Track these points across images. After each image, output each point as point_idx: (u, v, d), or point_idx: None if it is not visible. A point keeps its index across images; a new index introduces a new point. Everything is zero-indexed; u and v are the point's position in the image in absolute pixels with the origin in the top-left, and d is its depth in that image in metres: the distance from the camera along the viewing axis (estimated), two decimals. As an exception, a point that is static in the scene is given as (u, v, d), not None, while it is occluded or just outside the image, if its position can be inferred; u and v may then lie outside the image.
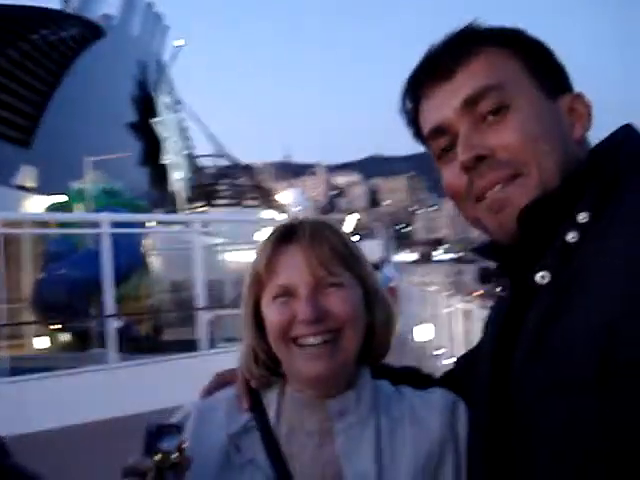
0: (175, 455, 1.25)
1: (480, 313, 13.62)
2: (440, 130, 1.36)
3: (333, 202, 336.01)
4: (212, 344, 12.67)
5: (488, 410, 1.30)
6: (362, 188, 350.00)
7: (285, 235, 1.59)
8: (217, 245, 19.63)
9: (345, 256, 1.58)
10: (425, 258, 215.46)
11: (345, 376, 1.58)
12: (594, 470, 1.05)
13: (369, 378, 1.62)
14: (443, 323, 15.35)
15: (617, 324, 1.03)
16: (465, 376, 1.55)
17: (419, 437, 1.50)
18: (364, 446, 1.52)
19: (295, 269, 1.55)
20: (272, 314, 1.57)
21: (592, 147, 1.30)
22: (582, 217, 1.19)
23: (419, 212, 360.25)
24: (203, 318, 12.88)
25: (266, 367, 1.64)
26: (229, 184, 43.26)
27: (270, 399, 1.63)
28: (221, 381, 1.72)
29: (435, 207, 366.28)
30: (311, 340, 1.52)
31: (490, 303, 1.63)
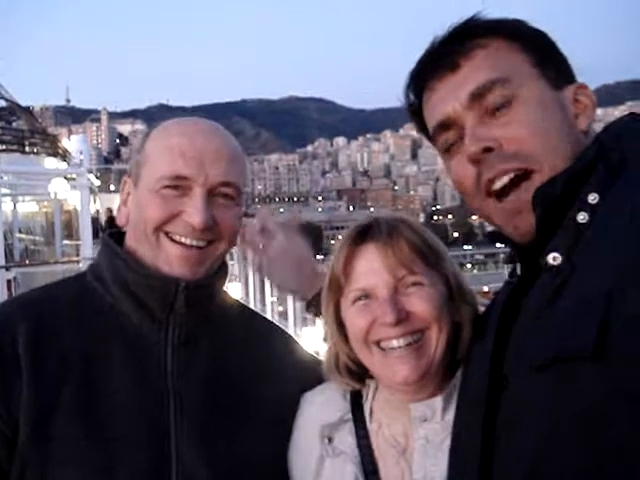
0: None
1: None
2: (446, 124, 1.35)
3: (118, 150, 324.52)
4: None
5: (487, 383, 1.29)
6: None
7: (361, 235, 1.55)
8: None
9: (425, 253, 1.52)
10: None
11: (434, 379, 1.52)
12: (581, 444, 1.05)
13: None
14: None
15: (616, 293, 1.03)
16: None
17: None
18: (440, 455, 1.45)
19: (373, 270, 1.50)
20: (352, 318, 1.54)
21: (600, 131, 1.30)
22: (592, 198, 1.20)
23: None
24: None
25: (349, 372, 1.60)
26: (7, 127, 40.46)
27: (367, 394, 1.62)
28: None
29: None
30: (394, 343, 1.48)
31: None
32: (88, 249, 14.32)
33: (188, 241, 1.57)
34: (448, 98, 1.34)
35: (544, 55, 1.34)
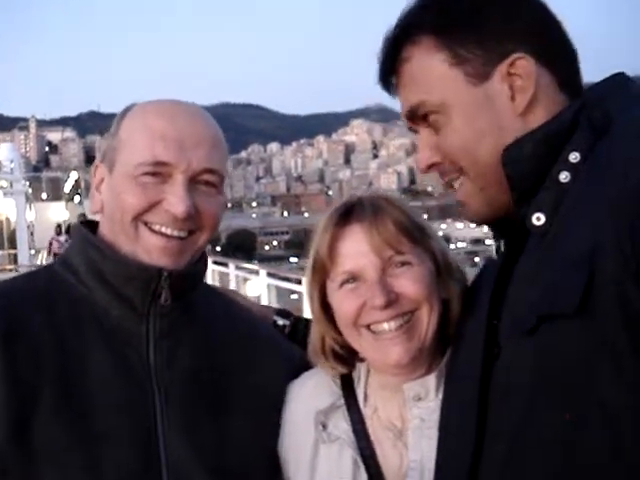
0: None
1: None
2: (413, 131, 1.40)
3: (47, 159, 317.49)
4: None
5: (483, 354, 1.29)
6: (78, 145, 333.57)
7: (344, 215, 1.52)
8: None
9: (411, 230, 1.49)
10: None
11: (426, 358, 1.51)
12: (562, 401, 1.05)
13: None
14: None
15: (599, 251, 1.03)
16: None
17: None
18: (435, 434, 1.41)
19: (360, 252, 1.47)
20: (340, 302, 1.50)
21: (585, 89, 1.30)
22: (573, 157, 1.18)
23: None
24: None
25: (335, 356, 1.58)
26: None
27: (359, 378, 1.59)
28: None
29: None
30: (385, 326, 1.46)
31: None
32: (25, 257, 14.46)
33: (169, 231, 1.50)
34: (403, 114, 1.40)
35: (465, 40, 1.29)
